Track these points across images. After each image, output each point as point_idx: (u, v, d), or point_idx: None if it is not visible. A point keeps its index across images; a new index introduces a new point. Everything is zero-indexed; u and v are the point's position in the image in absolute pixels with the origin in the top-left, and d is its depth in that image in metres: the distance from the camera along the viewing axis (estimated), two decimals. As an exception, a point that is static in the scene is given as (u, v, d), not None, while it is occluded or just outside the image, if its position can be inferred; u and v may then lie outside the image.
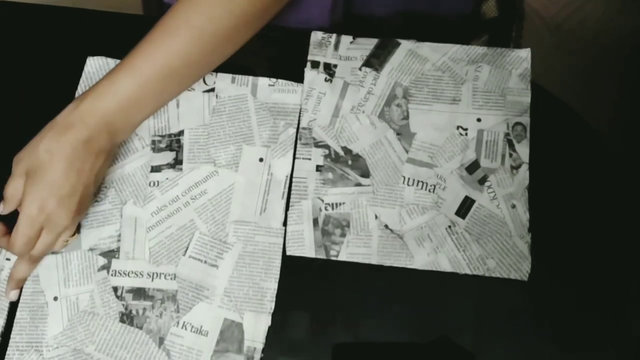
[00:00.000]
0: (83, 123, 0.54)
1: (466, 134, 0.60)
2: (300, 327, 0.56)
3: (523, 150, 0.60)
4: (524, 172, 0.59)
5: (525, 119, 0.61)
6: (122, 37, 0.67)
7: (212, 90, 0.63)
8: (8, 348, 0.56)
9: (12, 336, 0.56)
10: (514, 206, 0.58)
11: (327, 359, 0.55)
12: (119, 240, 0.58)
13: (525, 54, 0.63)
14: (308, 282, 0.58)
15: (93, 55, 0.65)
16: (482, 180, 0.59)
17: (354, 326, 0.56)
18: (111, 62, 0.65)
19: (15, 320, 0.56)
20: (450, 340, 0.55)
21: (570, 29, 1.40)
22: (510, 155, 0.60)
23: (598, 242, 0.58)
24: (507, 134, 0.60)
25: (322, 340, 0.55)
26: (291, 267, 0.58)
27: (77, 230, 0.58)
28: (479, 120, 0.61)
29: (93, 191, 0.57)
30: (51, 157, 0.53)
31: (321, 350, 0.55)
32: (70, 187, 0.53)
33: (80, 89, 0.64)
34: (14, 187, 0.54)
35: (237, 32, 0.57)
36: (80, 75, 0.65)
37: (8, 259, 0.58)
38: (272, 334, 0.55)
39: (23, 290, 0.57)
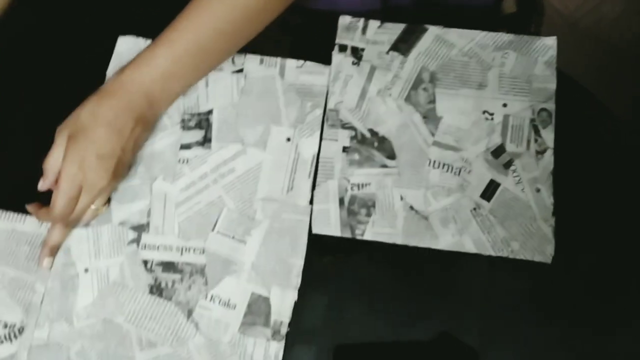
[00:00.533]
0: (124, 90, 0.57)
1: (492, 119, 0.61)
2: (321, 306, 0.57)
3: (548, 135, 0.60)
4: (549, 157, 0.60)
5: (551, 105, 0.61)
6: (152, 17, 0.68)
7: (241, 70, 0.64)
8: (39, 317, 0.57)
9: (43, 306, 0.57)
10: (538, 190, 0.59)
11: (340, 337, 0.56)
12: (149, 215, 0.59)
13: (551, 42, 0.64)
14: (332, 260, 0.59)
15: (124, 34, 0.67)
16: (508, 165, 0.60)
17: (376, 307, 0.57)
18: (141, 42, 0.66)
19: (47, 291, 0.58)
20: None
21: (586, 27, 1.40)
22: (536, 140, 0.60)
23: (622, 226, 0.58)
24: (532, 120, 0.61)
25: (343, 321, 0.56)
26: (317, 245, 0.58)
27: (108, 202, 0.60)
28: (504, 105, 0.62)
29: (130, 159, 0.59)
30: (94, 119, 0.56)
31: (339, 331, 0.56)
32: (111, 148, 0.56)
33: (111, 68, 0.65)
34: (54, 158, 0.56)
35: (266, 8, 0.59)
36: (111, 54, 0.66)
37: None
38: (293, 313, 0.56)
39: (55, 261, 0.58)
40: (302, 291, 0.57)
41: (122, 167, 0.58)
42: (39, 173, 0.62)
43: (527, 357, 0.55)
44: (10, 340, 0.56)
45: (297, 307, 0.56)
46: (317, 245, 0.58)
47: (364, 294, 0.57)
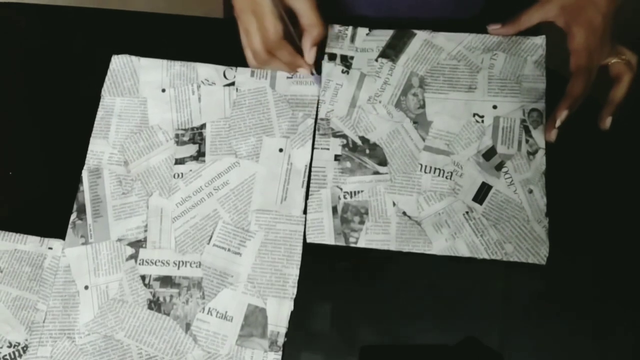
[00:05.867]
0: None
1: (482, 121, 0.61)
2: (321, 315, 0.57)
3: (539, 136, 0.60)
4: (540, 158, 0.59)
5: (541, 105, 0.61)
6: (143, 36, 0.70)
7: (233, 84, 0.65)
8: (42, 336, 0.58)
9: (45, 324, 0.58)
10: (531, 191, 0.58)
11: (347, 346, 0.56)
12: (145, 231, 0.60)
13: (540, 40, 0.63)
14: (328, 269, 0.59)
15: (117, 53, 0.68)
16: (499, 167, 0.60)
17: (375, 313, 0.57)
18: (135, 60, 0.67)
19: (48, 309, 0.59)
20: (475, 339, 0.56)
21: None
22: (527, 141, 0.60)
23: (616, 226, 0.58)
24: (523, 120, 0.61)
25: (342, 328, 0.57)
26: (312, 254, 0.59)
27: None
28: (495, 107, 0.62)
29: None
30: None
31: (341, 338, 0.56)
32: None
33: (106, 86, 0.66)
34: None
35: None
36: (106, 73, 0.67)
37: (50, 248, 0.60)
38: (292, 320, 0.57)
39: (55, 279, 0.60)
40: (309, 297, 0.57)
41: None
42: (40, 194, 0.63)
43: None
44: (16, 359, 0.57)
45: (302, 314, 0.57)
46: (324, 251, 0.59)
47: (368, 300, 0.58)
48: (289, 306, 0.57)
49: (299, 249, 0.59)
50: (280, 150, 0.62)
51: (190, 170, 0.62)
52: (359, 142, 0.62)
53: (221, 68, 0.66)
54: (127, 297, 0.58)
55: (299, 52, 0.61)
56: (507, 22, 0.63)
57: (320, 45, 0.66)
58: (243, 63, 0.66)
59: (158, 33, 0.69)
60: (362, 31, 0.66)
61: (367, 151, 0.61)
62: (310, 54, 0.61)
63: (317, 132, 0.63)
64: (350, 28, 0.66)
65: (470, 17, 0.70)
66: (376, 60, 0.64)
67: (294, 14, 0.59)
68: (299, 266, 0.58)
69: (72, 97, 0.67)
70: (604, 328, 0.56)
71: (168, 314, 0.58)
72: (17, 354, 0.58)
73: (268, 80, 0.65)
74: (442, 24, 0.65)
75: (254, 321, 0.57)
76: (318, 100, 0.64)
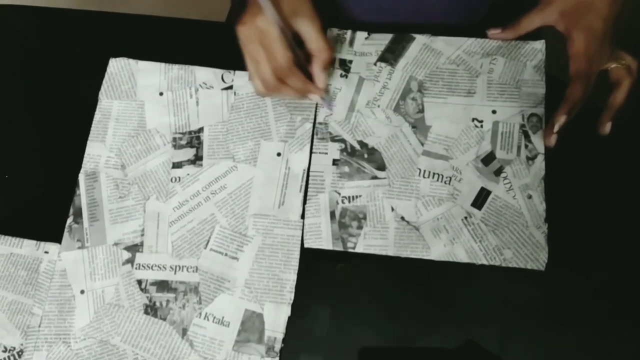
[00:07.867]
0: None
1: (481, 126, 0.61)
2: (318, 320, 0.57)
3: (539, 141, 0.60)
4: (539, 163, 0.59)
5: (541, 110, 0.61)
6: (141, 39, 0.69)
7: (231, 87, 0.65)
8: (37, 340, 0.58)
9: (40, 328, 0.58)
10: (530, 197, 0.58)
11: (344, 352, 0.56)
12: (142, 235, 0.60)
13: (539, 45, 0.63)
14: (325, 274, 0.58)
15: (115, 56, 0.67)
16: (498, 172, 0.59)
17: (373, 319, 0.57)
18: (132, 63, 0.67)
19: (44, 314, 0.58)
20: (474, 344, 0.56)
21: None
22: (526, 146, 0.60)
23: (615, 231, 0.58)
24: (522, 126, 0.61)
25: (340, 332, 0.56)
26: (309, 259, 0.59)
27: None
28: (494, 112, 0.61)
29: None
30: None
31: (339, 344, 0.56)
32: None
33: (103, 89, 0.66)
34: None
35: None
36: (103, 76, 0.67)
37: (46, 252, 0.60)
38: (290, 325, 0.57)
39: (51, 284, 0.59)
40: (306, 302, 0.57)
41: None
42: (36, 197, 0.63)
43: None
44: (10, 363, 0.57)
45: (300, 319, 0.57)
46: (322, 257, 0.59)
47: (366, 306, 0.57)
48: (286, 311, 0.57)
49: (296, 254, 0.58)
50: (278, 154, 0.62)
51: (188, 174, 0.62)
52: (358, 147, 0.62)
53: (219, 71, 0.65)
54: (123, 301, 0.58)
55: (308, 77, 0.60)
56: (507, 26, 0.63)
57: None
58: (241, 67, 0.65)
59: (156, 36, 0.69)
60: (361, 35, 0.66)
61: (366, 156, 0.61)
62: (321, 78, 0.59)
63: (315, 137, 0.62)
64: (349, 32, 0.66)
65: (476, 23, 0.70)
66: (375, 64, 0.64)
67: (300, 40, 0.58)
68: (296, 271, 0.58)
69: (69, 100, 0.67)
70: (603, 334, 0.55)
71: (164, 319, 0.57)
72: (12, 358, 0.57)
73: (266, 84, 0.65)
74: (442, 29, 0.65)
75: (251, 326, 0.56)
76: (316, 105, 0.63)
